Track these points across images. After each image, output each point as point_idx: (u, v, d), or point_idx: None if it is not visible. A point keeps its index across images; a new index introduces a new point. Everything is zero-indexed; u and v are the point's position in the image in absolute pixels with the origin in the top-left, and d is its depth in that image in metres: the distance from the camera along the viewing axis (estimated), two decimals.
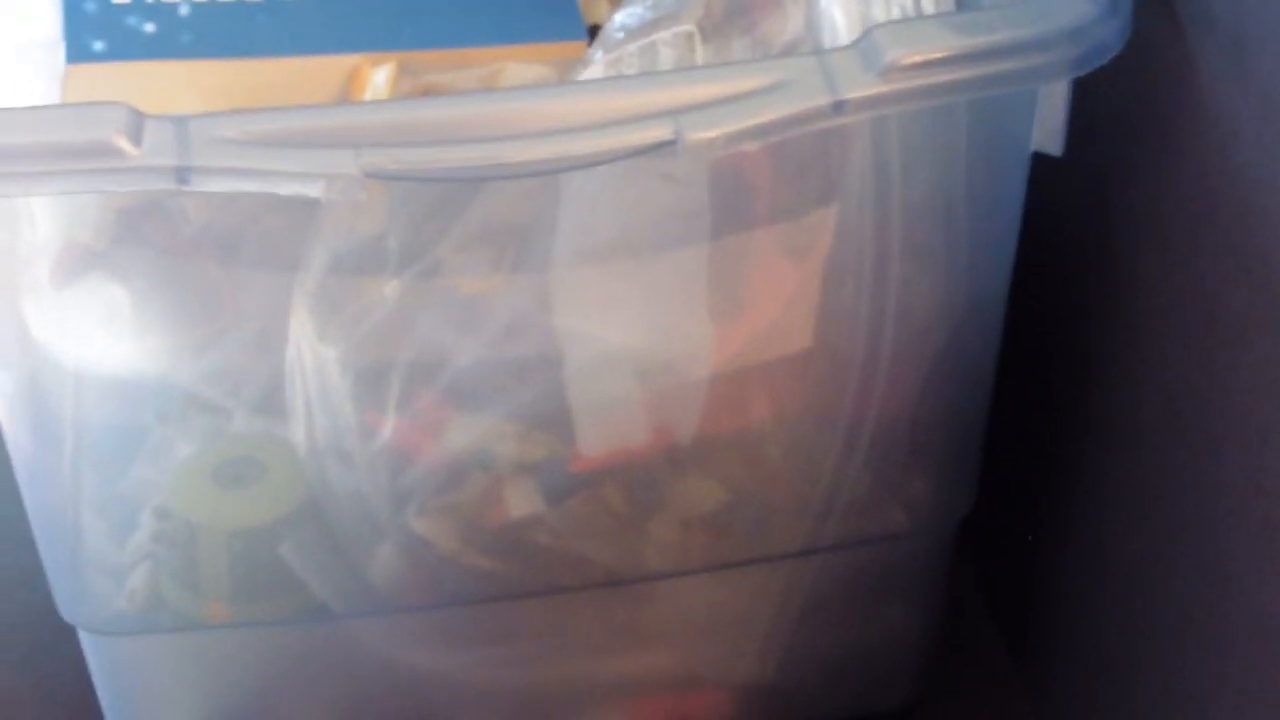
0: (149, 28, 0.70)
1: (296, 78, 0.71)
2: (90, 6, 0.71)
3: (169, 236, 0.61)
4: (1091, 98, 0.62)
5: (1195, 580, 0.65)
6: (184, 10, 0.71)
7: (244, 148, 0.54)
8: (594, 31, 0.74)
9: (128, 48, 0.70)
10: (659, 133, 0.55)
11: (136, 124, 0.54)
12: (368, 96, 0.70)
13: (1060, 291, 0.72)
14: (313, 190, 0.56)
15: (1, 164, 0.55)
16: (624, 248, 0.62)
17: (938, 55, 0.56)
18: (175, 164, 0.54)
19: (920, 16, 0.64)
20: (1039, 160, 0.64)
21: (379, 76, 0.70)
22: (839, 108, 0.56)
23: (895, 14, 0.65)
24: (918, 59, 0.56)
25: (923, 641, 0.79)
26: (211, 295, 0.62)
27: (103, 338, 0.63)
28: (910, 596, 0.77)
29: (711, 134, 0.55)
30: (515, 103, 0.57)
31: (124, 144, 0.53)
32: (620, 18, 0.70)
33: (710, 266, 0.62)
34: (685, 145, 0.55)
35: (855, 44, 0.57)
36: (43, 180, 0.56)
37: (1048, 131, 0.62)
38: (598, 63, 0.69)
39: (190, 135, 0.54)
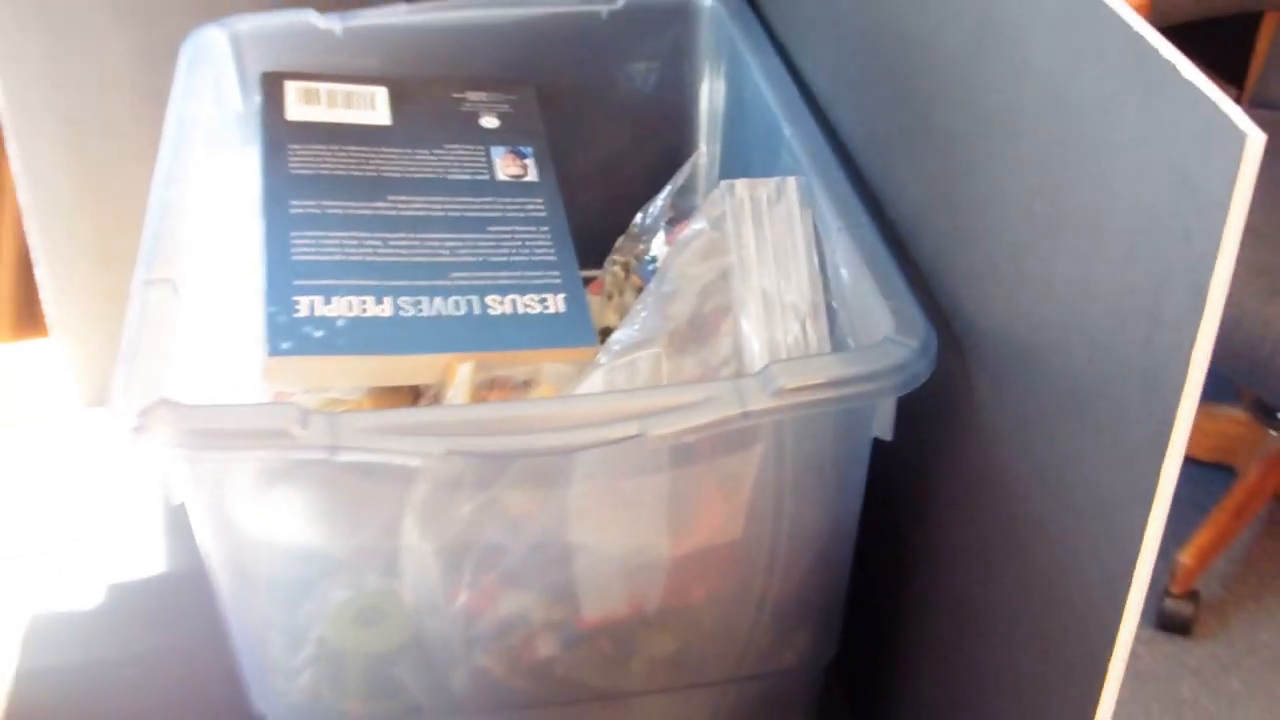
0: (318, 334, 0.72)
1: (411, 367, 0.74)
2: (281, 319, 0.72)
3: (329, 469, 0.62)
4: (909, 403, 0.62)
5: (968, 665, 0.66)
6: (340, 323, 0.73)
7: (370, 435, 0.57)
8: (605, 332, 0.76)
9: (304, 346, 0.72)
10: (631, 430, 0.57)
11: (304, 418, 0.57)
12: (456, 383, 0.72)
13: (889, 517, 0.73)
14: (413, 463, 0.59)
15: (227, 440, 0.57)
16: (614, 492, 0.63)
17: (811, 383, 0.58)
18: (329, 444, 0.56)
19: (805, 356, 0.66)
20: (878, 441, 0.65)
21: (464, 370, 0.73)
22: (747, 416, 0.58)
23: (790, 344, 0.69)
24: (798, 385, 0.58)
25: None
26: (357, 505, 0.64)
27: (287, 529, 0.64)
28: (796, 704, 0.76)
29: (663, 431, 0.57)
30: (541, 409, 0.60)
31: (295, 429, 0.56)
32: (616, 336, 0.72)
33: (669, 506, 0.64)
34: (648, 439, 0.58)
35: (757, 374, 0.59)
36: (247, 450, 0.58)
37: (882, 425, 0.63)
38: (602, 366, 0.71)
39: (339, 425, 0.57)
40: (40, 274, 1.00)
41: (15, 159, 0.95)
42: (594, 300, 0.89)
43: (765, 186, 0.74)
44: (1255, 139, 0.41)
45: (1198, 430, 2.14)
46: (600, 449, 0.59)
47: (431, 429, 0.58)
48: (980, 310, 0.61)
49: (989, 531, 0.61)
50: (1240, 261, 1.72)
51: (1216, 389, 2.38)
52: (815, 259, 0.72)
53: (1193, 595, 2.19)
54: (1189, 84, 0.44)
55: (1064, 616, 0.54)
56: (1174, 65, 0.45)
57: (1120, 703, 2.05)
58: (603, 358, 0.72)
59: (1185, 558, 2.16)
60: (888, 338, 0.61)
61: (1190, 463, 2.42)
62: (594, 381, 0.71)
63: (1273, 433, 2.30)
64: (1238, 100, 2.66)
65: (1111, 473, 0.50)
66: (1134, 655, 2.14)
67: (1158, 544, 0.48)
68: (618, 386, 0.71)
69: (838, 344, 0.70)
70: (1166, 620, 2.19)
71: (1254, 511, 2.32)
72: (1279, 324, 1.89)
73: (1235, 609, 2.23)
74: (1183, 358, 0.45)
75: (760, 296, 0.71)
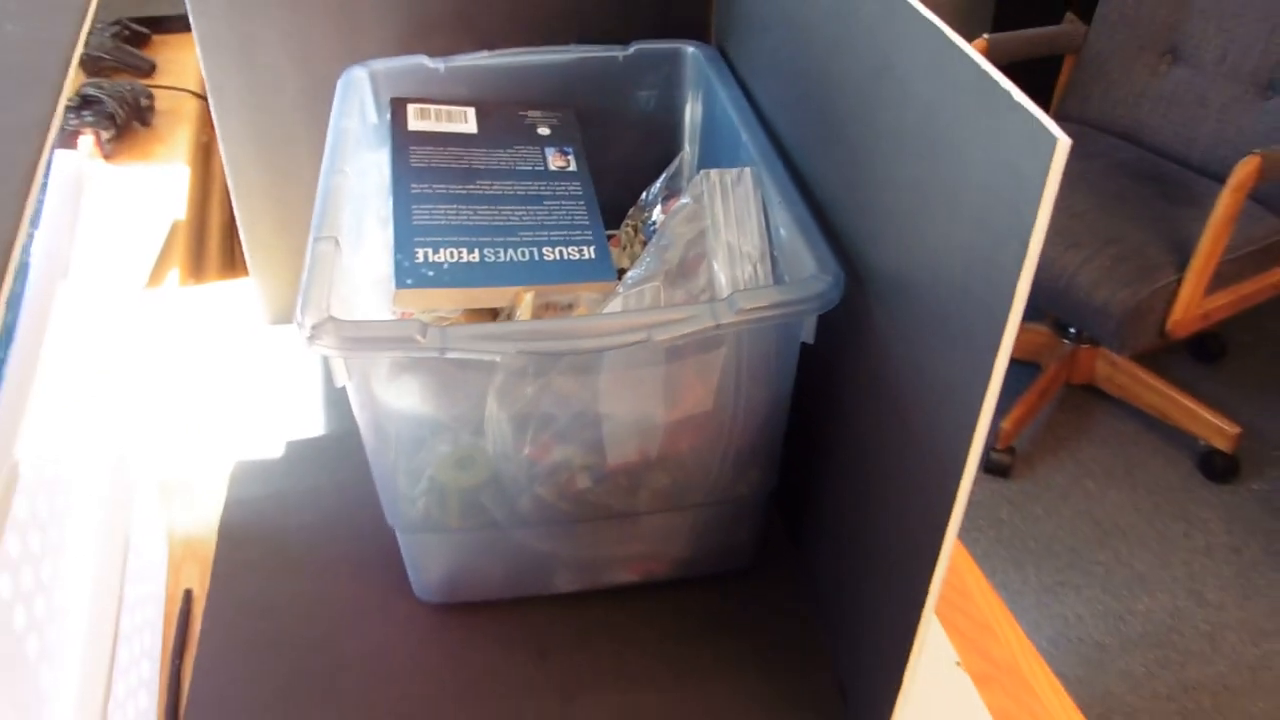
0: (430, 273, 0.72)
1: (492, 296, 0.73)
2: (405, 264, 0.72)
3: (439, 363, 0.63)
4: (827, 320, 0.63)
5: (862, 493, 0.65)
6: (445, 266, 0.72)
7: (466, 340, 0.57)
8: (621, 272, 0.76)
9: (421, 282, 0.72)
10: (639, 336, 0.58)
11: (423, 329, 0.57)
12: (522, 306, 0.72)
13: (810, 393, 0.71)
14: (495, 359, 0.59)
15: (372, 344, 0.58)
16: (628, 378, 0.63)
17: (760, 304, 0.58)
18: (440, 346, 0.56)
19: (756, 288, 0.65)
20: (804, 345, 0.65)
21: (527, 297, 0.72)
22: (719, 327, 0.58)
23: (746, 280, 0.69)
24: (751, 306, 0.58)
25: (753, 540, 0.77)
26: (457, 388, 0.63)
27: (411, 402, 0.64)
28: (747, 520, 0.75)
29: (662, 338, 0.58)
30: (579, 323, 0.59)
31: (417, 337, 0.57)
32: (629, 274, 0.72)
33: (665, 387, 0.64)
34: (652, 343, 0.58)
35: (725, 299, 0.59)
36: (385, 350, 0.59)
37: (807, 333, 0.63)
38: (619, 295, 0.71)
39: (447, 334, 0.57)
40: (242, 234, 1.00)
41: (225, 157, 0.95)
42: (614, 250, 0.89)
43: (729, 174, 0.74)
44: (1064, 142, 0.41)
45: (1016, 340, 2.15)
46: (620, 349, 0.59)
47: (506, 336, 0.58)
48: (876, 259, 0.61)
49: (879, 405, 0.61)
50: (1049, 227, 1.73)
51: (1026, 310, 2.39)
52: (763, 223, 0.71)
53: (1010, 450, 2.20)
54: (1020, 105, 0.44)
55: (928, 461, 0.54)
56: (1009, 92, 0.44)
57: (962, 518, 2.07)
58: (620, 289, 0.72)
59: (1006, 424, 2.16)
60: (811, 275, 0.61)
61: (1011, 362, 2.43)
62: (614, 305, 0.70)
63: (1065, 341, 2.31)
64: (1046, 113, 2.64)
65: (962, 368, 0.50)
66: (972, 491, 2.15)
67: (991, 414, 0.48)
68: (630, 309, 0.70)
69: (778, 280, 0.69)
70: (992, 466, 2.20)
71: (1052, 394, 2.33)
72: (1070, 269, 1.89)
73: (1038, 459, 2.24)
74: (1010, 291, 0.45)
75: (726, 248, 0.70)
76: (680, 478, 0.70)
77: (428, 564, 0.75)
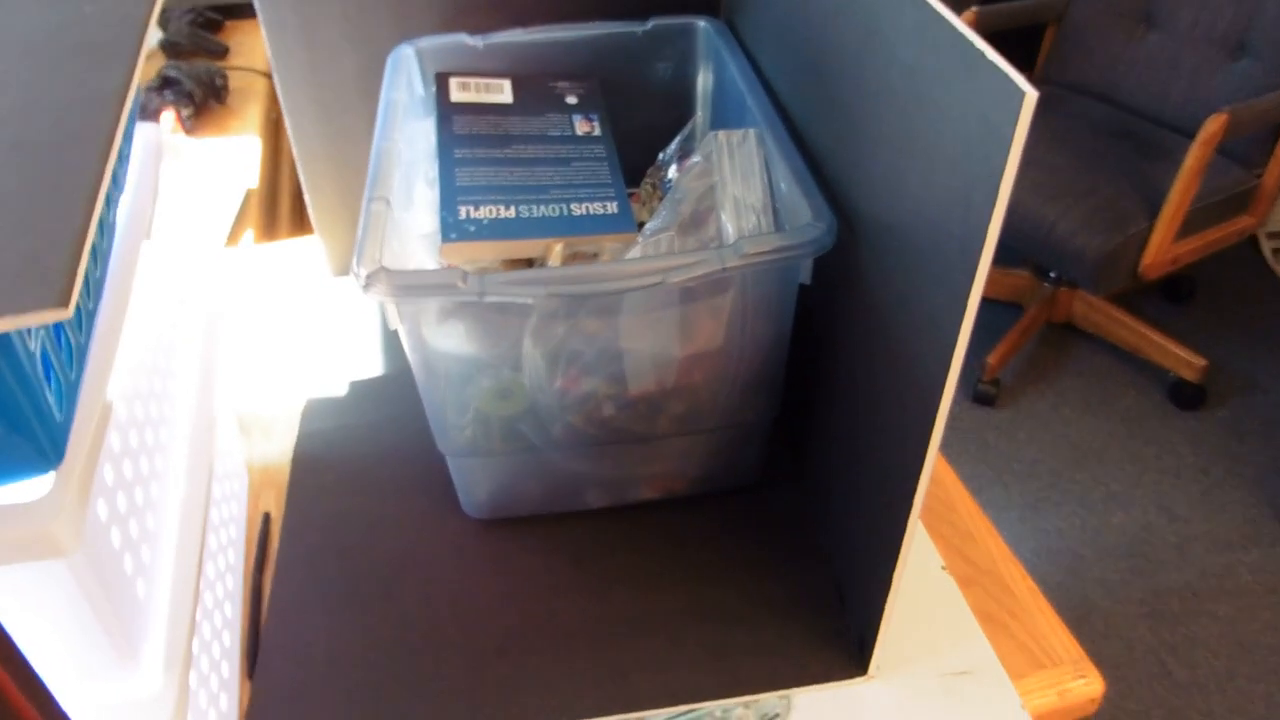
0: (472, 228, 0.72)
1: (527, 247, 0.72)
2: (450, 220, 0.72)
3: (481, 308, 0.63)
4: (822, 262, 0.63)
5: (855, 416, 0.65)
6: (485, 221, 0.72)
7: (502, 285, 0.57)
8: (641, 224, 0.75)
9: (464, 235, 0.71)
10: (656, 279, 0.58)
11: (464, 276, 0.57)
12: (553, 256, 0.72)
13: (808, 329, 0.71)
14: (528, 301, 0.60)
15: (419, 290, 0.58)
16: (647, 318, 0.63)
17: (763, 249, 0.58)
18: (479, 291, 0.57)
19: (759, 234, 0.65)
20: (803, 286, 0.65)
21: (558, 248, 0.72)
22: (725, 270, 0.58)
23: (750, 229, 0.68)
24: (755, 250, 0.58)
25: (759, 460, 0.77)
26: (497, 329, 0.63)
27: (456, 343, 0.64)
28: (754, 442, 0.75)
29: (676, 280, 0.58)
30: (603, 269, 0.59)
31: (459, 284, 0.57)
32: (648, 226, 0.72)
33: (679, 324, 0.64)
34: (666, 285, 0.58)
35: (731, 244, 0.59)
36: (431, 297, 0.59)
37: (805, 275, 0.63)
38: (639, 244, 0.71)
39: (484, 281, 0.57)
40: (307, 197, 1.00)
41: (290, 128, 0.95)
42: (635, 205, 0.89)
43: (735, 135, 0.73)
44: (1030, 95, 0.41)
45: (999, 283, 2.12)
46: (639, 291, 0.59)
47: (538, 281, 0.58)
48: (866, 206, 0.60)
49: (868, 338, 0.61)
50: (1028, 179, 1.71)
51: (1010, 257, 2.36)
52: (765, 178, 0.71)
53: (995, 382, 2.19)
54: (993, 63, 0.43)
55: (912, 385, 0.54)
56: (983, 51, 0.44)
57: (948, 446, 2.07)
58: (640, 239, 0.72)
59: (991, 359, 2.15)
60: (807, 223, 0.61)
61: (995, 303, 2.41)
62: (634, 252, 0.70)
63: (1045, 284, 2.28)
64: (1029, 78, 2.59)
65: (941, 302, 0.50)
66: (957, 419, 2.15)
67: (968, 341, 0.48)
68: (648, 255, 0.70)
69: (779, 229, 0.69)
70: (979, 397, 2.19)
71: (1033, 332, 2.31)
72: (1051, 218, 1.86)
73: (1020, 390, 2.23)
74: (984, 232, 0.45)
75: (732, 201, 0.70)
76: (694, 405, 0.70)
77: (474, 485, 0.76)
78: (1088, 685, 0.63)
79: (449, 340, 0.64)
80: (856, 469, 0.66)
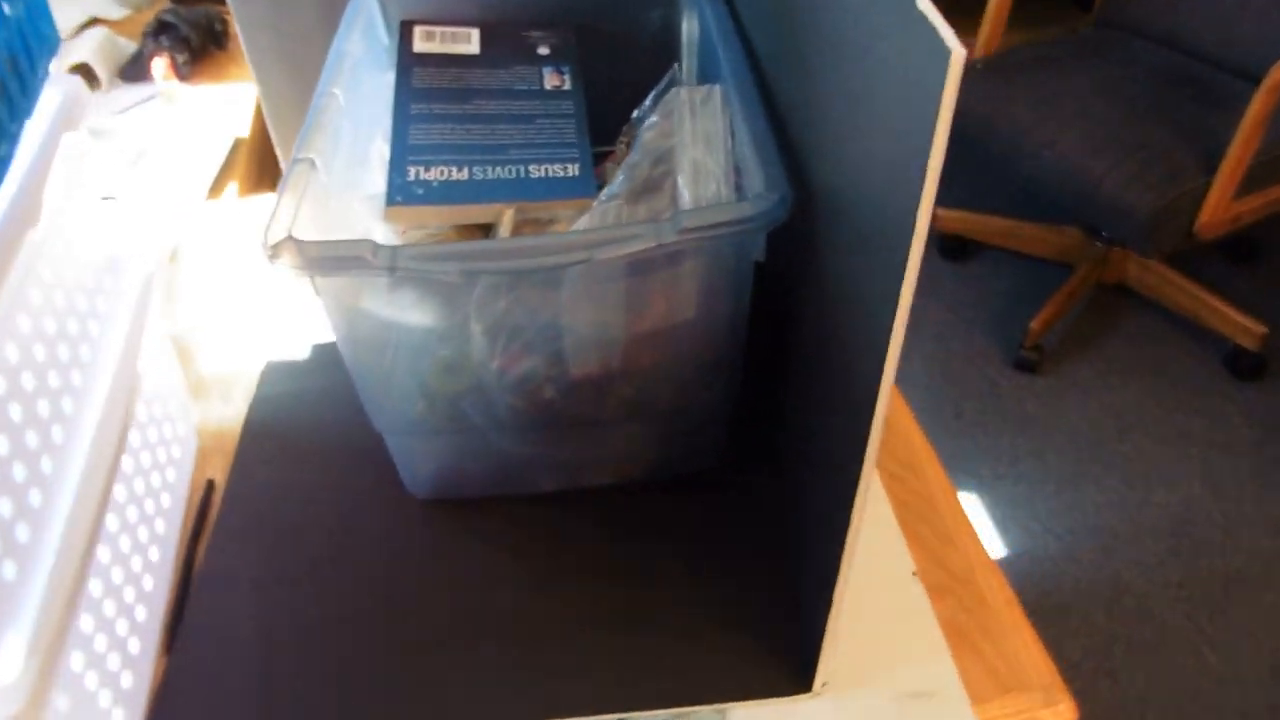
0: (420, 191, 0.69)
1: (478, 212, 0.69)
2: (397, 181, 0.69)
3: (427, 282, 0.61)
4: (773, 236, 0.60)
5: (808, 398, 0.62)
6: (435, 184, 0.69)
7: (415, 259, 0.54)
8: (600, 186, 0.72)
9: (410, 199, 0.68)
10: (582, 256, 0.54)
11: (374, 249, 0.53)
12: (504, 223, 0.69)
13: (763, 306, 0.68)
14: (451, 279, 0.56)
15: (326, 264, 0.54)
16: (590, 293, 0.59)
17: (704, 224, 0.54)
18: (389, 266, 0.53)
19: (705, 206, 0.60)
20: (767, 260, 0.62)
21: (509, 214, 0.69)
22: (661, 246, 0.54)
23: (709, 198, 0.64)
24: (693, 225, 0.54)
25: (718, 445, 0.74)
26: (443, 303, 0.60)
27: (399, 312, 0.61)
28: (713, 426, 0.72)
29: (602, 257, 0.54)
30: (541, 241, 0.54)
31: (369, 256, 0.53)
32: (604, 191, 0.68)
33: (625, 302, 0.60)
34: (593, 262, 0.54)
35: (669, 219, 0.54)
36: (337, 271, 0.55)
37: (759, 250, 0.60)
38: (594, 212, 0.67)
39: (397, 254, 0.54)
40: (278, 152, 0.97)
41: (256, 80, 0.92)
42: (610, 166, 0.83)
43: (699, 92, 0.68)
44: (958, 53, 0.36)
45: (1044, 241, 2.04)
46: (572, 267, 0.55)
47: (451, 256, 0.54)
48: (823, 174, 0.55)
49: (823, 305, 0.57)
50: (1075, 130, 1.61)
51: (1061, 214, 2.26)
52: (728, 141, 0.66)
53: (1038, 348, 2.11)
54: (921, 14, 0.38)
55: (859, 347, 0.49)
56: (923, 13, 0.39)
57: (989, 411, 2.00)
58: (594, 205, 0.67)
59: (1035, 324, 2.08)
60: (757, 194, 0.56)
61: (1042, 262, 2.31)
62: (582, 221, 0.66)
63: (1096, 244, 2.19)
64: (1084, 20, 2.47)
65: (885, 263, 0.45)
66: (999, 386, 2.07)
67: (904, 326, 0.44)
68: (595, 225, 0.66)
69: (742, 198, 0.63)
70: (1021, 363, 2.12)
71: (1081, 295, 2.22)
72: (1097, 174, 1.77)
73: (1064, 357, 2.15)
74: (915, 204, 0.40)
75: (692, 165, 0.65)
76: (644, 388, 0.66)
77: (415, 464, 0.73)
78: (1057, 715, 0.58)
79: (373, 314, 0.60)
80: (807, 458, 0.62)
